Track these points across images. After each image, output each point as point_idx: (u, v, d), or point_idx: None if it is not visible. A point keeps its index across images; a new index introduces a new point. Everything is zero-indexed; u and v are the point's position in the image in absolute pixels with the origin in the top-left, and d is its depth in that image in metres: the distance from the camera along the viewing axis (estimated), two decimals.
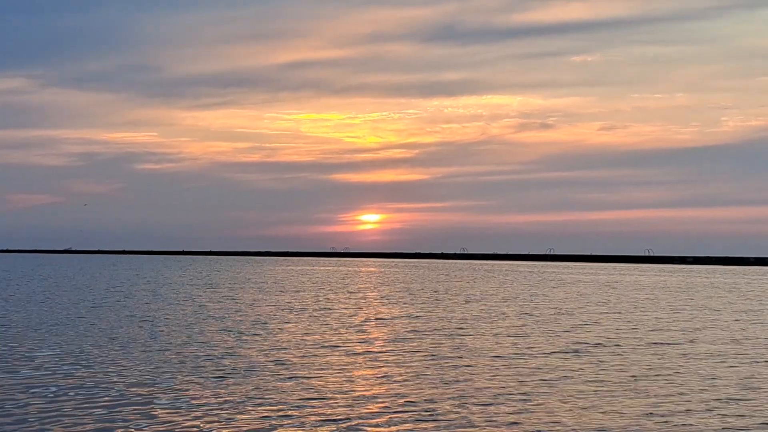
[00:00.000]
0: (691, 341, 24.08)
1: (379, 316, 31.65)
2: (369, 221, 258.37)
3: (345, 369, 17.93)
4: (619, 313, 34.48)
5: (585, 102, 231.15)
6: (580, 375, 17.39)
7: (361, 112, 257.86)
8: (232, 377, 16.59)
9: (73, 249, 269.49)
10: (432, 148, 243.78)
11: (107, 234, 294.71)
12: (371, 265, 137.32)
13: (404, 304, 39.24)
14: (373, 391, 15.21)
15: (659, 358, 20.18)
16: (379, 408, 13.71)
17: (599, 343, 23.14)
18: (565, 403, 14.33)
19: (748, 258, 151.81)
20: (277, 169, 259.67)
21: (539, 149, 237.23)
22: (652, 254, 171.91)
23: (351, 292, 49.13)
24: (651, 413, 13.54)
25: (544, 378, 16.93)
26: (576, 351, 21.40)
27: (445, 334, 25.20)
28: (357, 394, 14.94)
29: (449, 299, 42.81)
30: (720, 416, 13.44)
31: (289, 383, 15.96)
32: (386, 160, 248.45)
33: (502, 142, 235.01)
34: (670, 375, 17.58)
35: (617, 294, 49.48)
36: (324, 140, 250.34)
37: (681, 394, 15.34)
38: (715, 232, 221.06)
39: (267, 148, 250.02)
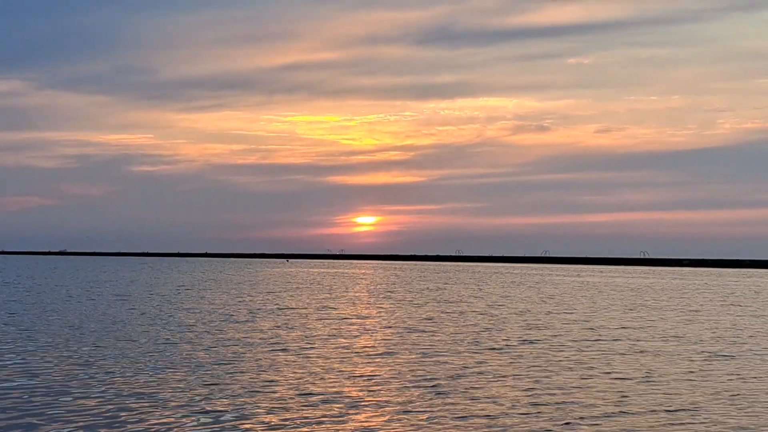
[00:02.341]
0: (618, 339, 24.18)
1: (335, 316, 31.66)
2: (365, 223, 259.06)
3: (272, 366, 17.95)
4: (574, 312, 34.50)
5: (580, 104, 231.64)
6: (505, 370, 17.49)
7: (357, 114, 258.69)
8: (159, 372, 16.66)
9: (68, 251, 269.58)
10: (428, 150, 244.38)
11: (102, 236, 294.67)
12: (365, 267, 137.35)
13: (370, 304, 39.26)
14: (285, 386, 15.27)
15: (582, 354, 20.22)
16: (280, 400, 13.79)
17: (538, 341, 23.20)
18: (480, 396, 14.37)
19: (743, 260, 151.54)
20: (273, 171, 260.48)
21: (535, 151, 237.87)
22: (647, 257, 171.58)
23: (321, 293, 49.07)
24: (555, 404, 13.54)
25: (469, 373, 17.03)
26: (512, 347, 21.52)
27: (395, 333, 25.23)
28: (268, 388, 15.02)
29: (421, 299, 42.78)
30: (616, 404, 13.52)
31: (210, 378, 16.04)
32: (382, 163, 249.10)
33: (497, 144, 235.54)
34: (584, 369, 17.67)
35: (588, 295, 49.46)
36: (320, 142, 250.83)
37: (587, 386, 15.38)
38: (711, 234, 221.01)
39: (262, 150, 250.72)
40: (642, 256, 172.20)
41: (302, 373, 16.81)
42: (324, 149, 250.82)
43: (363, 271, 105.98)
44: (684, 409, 13.56)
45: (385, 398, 14.12)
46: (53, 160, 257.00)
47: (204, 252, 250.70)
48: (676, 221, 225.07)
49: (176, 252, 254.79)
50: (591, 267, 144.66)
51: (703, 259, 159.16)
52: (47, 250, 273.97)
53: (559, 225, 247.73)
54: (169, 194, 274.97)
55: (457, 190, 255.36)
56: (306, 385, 15.26)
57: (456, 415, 12.80)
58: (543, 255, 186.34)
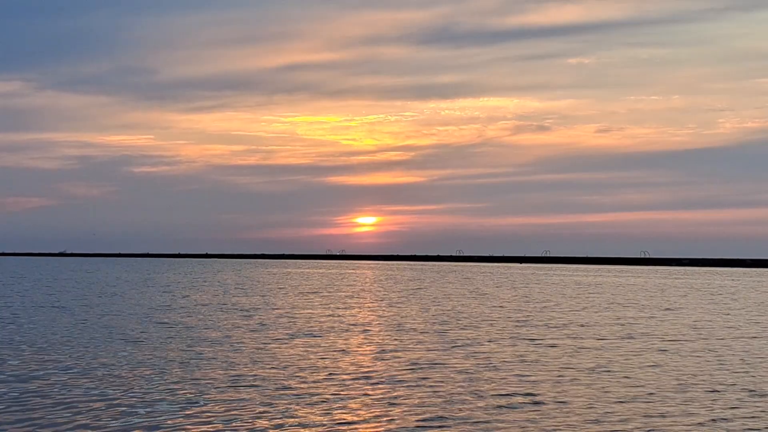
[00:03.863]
0: (577, 336, 24.28)
1: (306, 315, 31.71)
2: (365, 224, 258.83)
3: (224, 360, 17.99)
4: (551, 310, 34.54)
5: (581, 104, 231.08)
6: (454, 365, 17.58)
7: (358, 114, 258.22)
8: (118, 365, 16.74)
9: (68, 252, 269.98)
10: (428, 151, 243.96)
11: (103, 237, 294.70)
12: (363, 267, 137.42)
13: (347, 303, 39.30)
14: (251, 381, 15.34)
15: (544, 349, 20.28)
16: (224, 391, 13.89)
17: (493, 339, 23.27)
18: (428, 391, 14.45)
19: (744, 260, 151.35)
20: (273, 171, 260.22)
21: (535, 151, 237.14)
22: (648, 256, 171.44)
23: (303, 293, 49.10)
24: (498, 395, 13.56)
25: (426, 366, 17.16)
26: (478, 344, 21.60)
27: (361, 331, 25.31)
28: (236, 383, 15.09)
29: (405, 299, 42.80)
30: (564, 395, 13.56)
31: (180, 372, 16.16)
32: (382, 163, 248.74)
33: (498, 145, 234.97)
34: (543, 362, 17.77)
35: (573, 294, 49.45)
36: (320, 143, 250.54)
37: (539, 379, 15.44)
38: (712, 234, 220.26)
39: (263, 151, 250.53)
40: (643, 256, 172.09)
41: (269, 368, 16.86)
42: (324, 149, 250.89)
43: (360, 271, 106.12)
44: (629, 401, 13.59)
45: (346, 392, 14.23)
46: (54, 161, 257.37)
47: (204, 253, 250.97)
48: (677, 221, 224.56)
49: (177, 253, 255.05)
50: (592, 267, 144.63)
51: (703, 259, 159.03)
52: (48, 252, 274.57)
53: (559, 225, 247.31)
54: (169, 195, 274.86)
55: (458, 190, 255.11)
56: (273, 380, 15.35)
57: (407, 405, 12.93)
58: (544, 255, 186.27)
